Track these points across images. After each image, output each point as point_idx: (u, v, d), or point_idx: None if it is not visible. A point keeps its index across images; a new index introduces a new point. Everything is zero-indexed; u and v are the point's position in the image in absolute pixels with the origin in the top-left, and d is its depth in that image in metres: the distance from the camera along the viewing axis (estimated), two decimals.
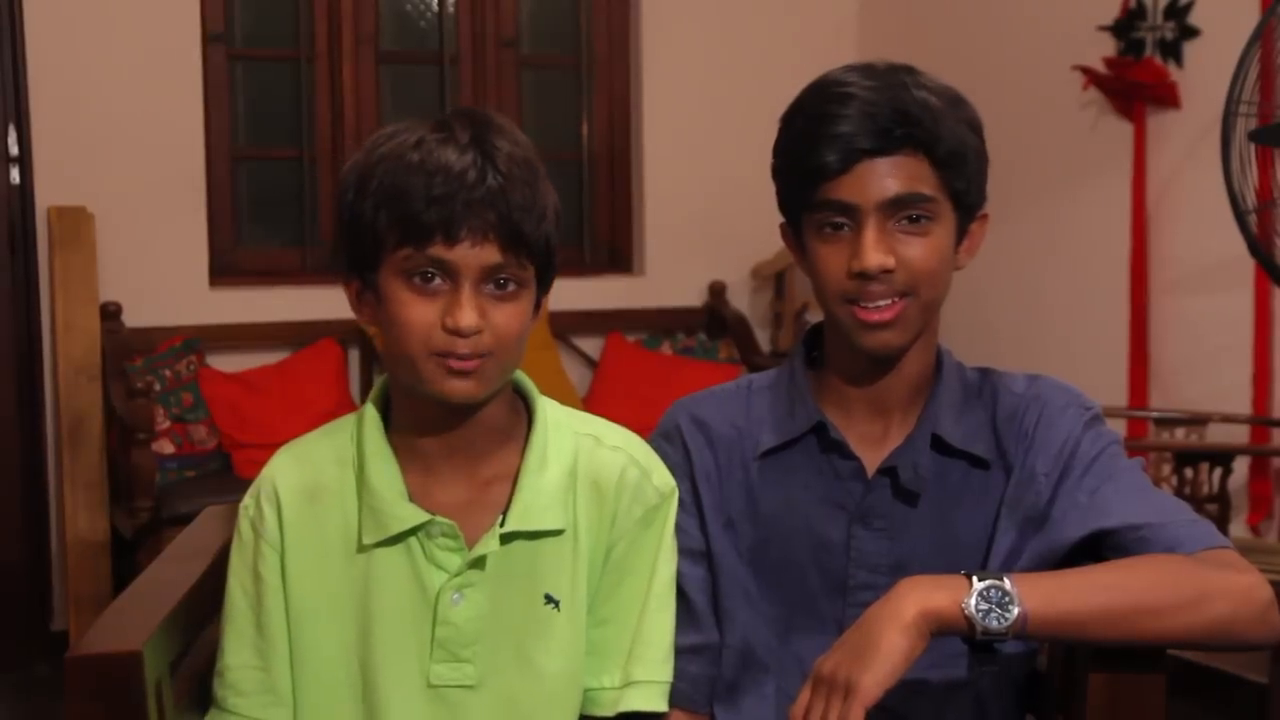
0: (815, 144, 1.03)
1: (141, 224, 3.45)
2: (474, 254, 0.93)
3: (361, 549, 1.00)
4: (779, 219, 1.20)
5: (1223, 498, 2.81)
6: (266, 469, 1.05)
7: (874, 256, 1.00)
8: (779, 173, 1.10)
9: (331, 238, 0.93)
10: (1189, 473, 2.90)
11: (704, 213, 4.16)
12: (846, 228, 1.03)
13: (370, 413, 1.02)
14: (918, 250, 1.03)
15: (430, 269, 0.93)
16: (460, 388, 0.94)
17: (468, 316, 0.92)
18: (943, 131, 1.03)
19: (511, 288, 0.94)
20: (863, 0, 4.34)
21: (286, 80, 3.86)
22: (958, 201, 1.05)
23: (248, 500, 1.04)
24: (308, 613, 1.01)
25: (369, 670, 1.00)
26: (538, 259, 0.96)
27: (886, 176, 1.02)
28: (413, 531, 0.99)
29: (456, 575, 0.99)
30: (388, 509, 0.98)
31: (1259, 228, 2.46)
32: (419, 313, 0.93)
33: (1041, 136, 3.64)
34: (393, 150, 0.95)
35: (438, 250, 0.92)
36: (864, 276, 1.00)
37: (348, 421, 1.05)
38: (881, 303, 1.02)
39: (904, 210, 1.02)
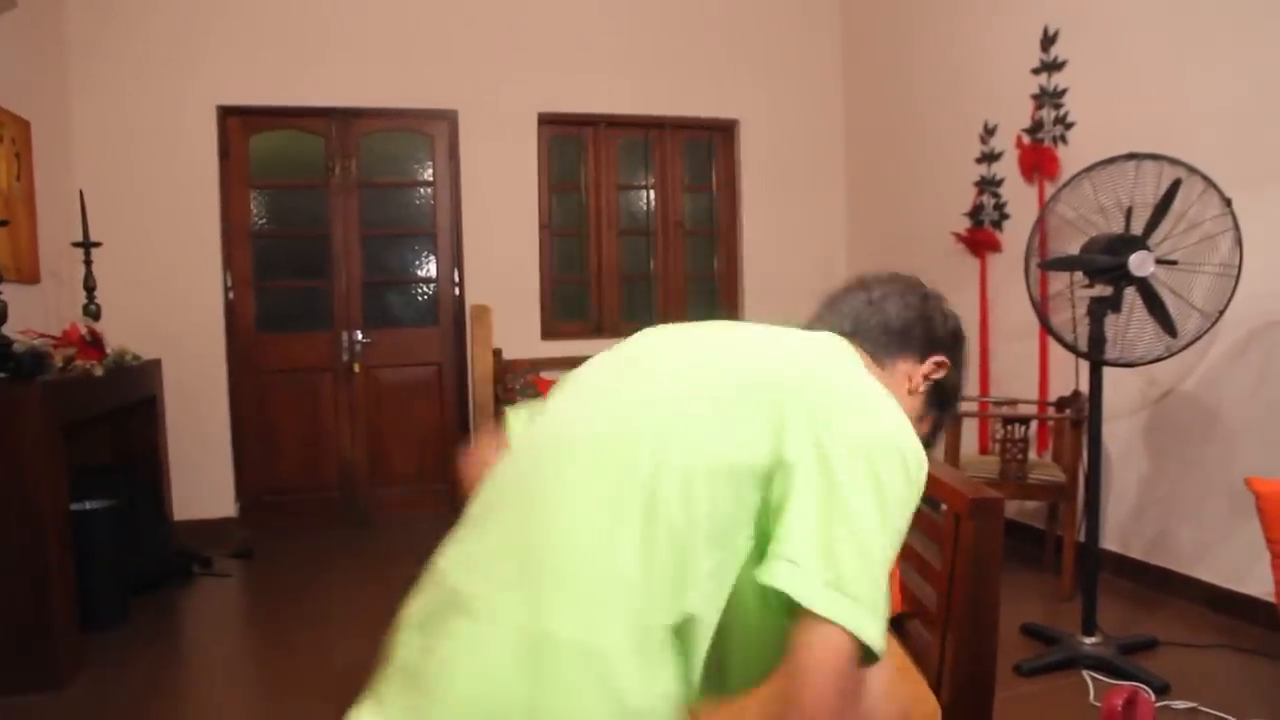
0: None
1: (513, 312, 5.03)
2: None
3: None
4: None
5: (1025, 440, 3.54)
6: None
7: None
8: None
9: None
10: (1010, 428, 3.55)
11: (772, 297, 5.49)
12: None
13: None
14: None
15: None
16: None
17: None
18: None
19: None
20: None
21: (577, 246, 5.42)
22: None
23: None
24: None
25: None
26: None
27: None
28: None
29: None
30: None
31: (1041, 309, 3.06)
32: None
33: (936, 264, 4.61)
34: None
35: None
36: None
37: None
38: None
39: None
